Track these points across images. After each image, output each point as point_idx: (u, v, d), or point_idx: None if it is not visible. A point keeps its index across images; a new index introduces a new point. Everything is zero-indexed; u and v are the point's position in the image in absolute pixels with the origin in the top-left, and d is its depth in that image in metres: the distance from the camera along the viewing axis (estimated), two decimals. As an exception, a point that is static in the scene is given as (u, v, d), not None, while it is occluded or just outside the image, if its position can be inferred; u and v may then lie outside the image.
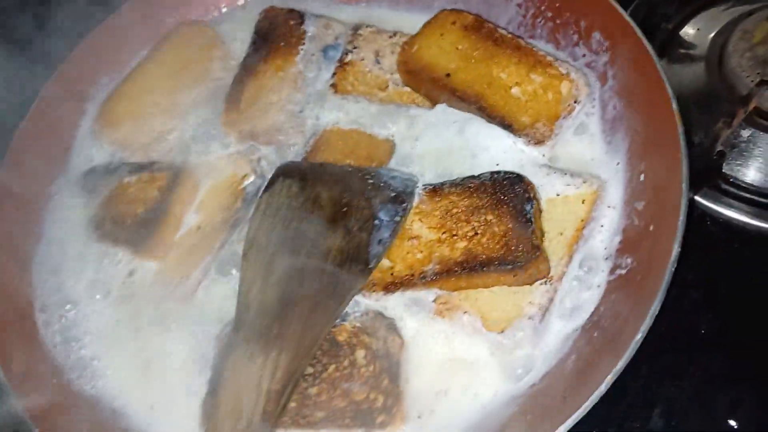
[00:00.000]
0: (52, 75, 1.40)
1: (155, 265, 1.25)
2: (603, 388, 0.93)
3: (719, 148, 1.39)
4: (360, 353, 1.09)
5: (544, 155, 1.25)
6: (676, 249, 0.99)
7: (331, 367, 1.09)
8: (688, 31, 1.64)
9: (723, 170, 1.38)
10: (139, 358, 1.19)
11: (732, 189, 1.37)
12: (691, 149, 1.09)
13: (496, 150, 1.27)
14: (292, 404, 1.07)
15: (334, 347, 1.10)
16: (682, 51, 1.62)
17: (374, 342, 1.10)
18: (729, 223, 1.35)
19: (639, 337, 0.95)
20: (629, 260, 1.10)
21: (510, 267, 1.08)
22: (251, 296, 1.10)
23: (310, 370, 1.09)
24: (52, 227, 1.33)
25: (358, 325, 1.12)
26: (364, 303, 1.16)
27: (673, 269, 0.98)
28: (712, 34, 1.61)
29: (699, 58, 1.59)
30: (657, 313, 0.96)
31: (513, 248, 1.09)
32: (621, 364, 0.94)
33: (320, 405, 1.07)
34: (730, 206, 1.36)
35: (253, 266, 1.14)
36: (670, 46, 1.61)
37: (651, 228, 1.08)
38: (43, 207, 1.33)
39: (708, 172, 1.38)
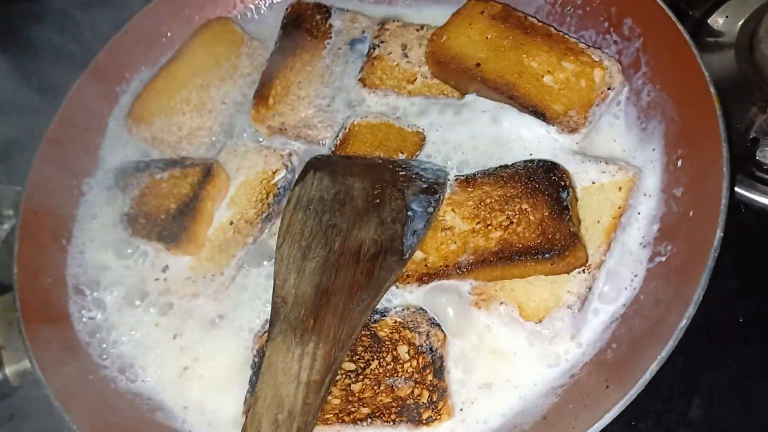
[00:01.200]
0: (81, 74, 1.40)
1: (188, 261, 1.25)
2: (648, 376, 0.91)
3: (753, 134, 1.37)
4: (402, 348, 1.08)
5: (577, 143, 1.24)
6: (718, 234, 0.97)
7: (374, 363, 1.08)
8: (717, 18, 1.62)
9: (757, 157, 1.36)
10: (174, 355, 1.19)
11: (766, 176, 1.35)
12: (724, 137, 1.08)
13: (528, 139, 1.26)
14: (336, 401, 1.06)
15: (375, 343, 1.09)
16: (711, 39, 1.60)
17: (416, 337, 1.09)
18: (764, 210, 1.33)
19: (683, 323, 0.93)
20: (669, 247, 1.08)
21: (547, 256, 1.06)
22: (286, 289, 1.10)
23: (352, 366, 1.08)
24: (85, 224, 1.34)
25: (399, 320, 1.11)
26: (401, 296, 1.15)
27: (716, 255, 0.96)
28: (741, 22, 1.58)
29: (728, 46, 1.57)
30: (701, 299, 0.94)
31: (550, 236, 1.08)
32: (666, 352, 0.92)
33: (365, 401, 1.06)
34: (764, 193, 1.34)
35: (287, 259, 1.14)
36: (698, 35, 1.59)
37: (691, 214, 1.07)
38: (75, 205, 1.35)
39: (741, 159, 1.36)
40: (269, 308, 1.10)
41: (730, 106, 1.36)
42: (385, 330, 1.10)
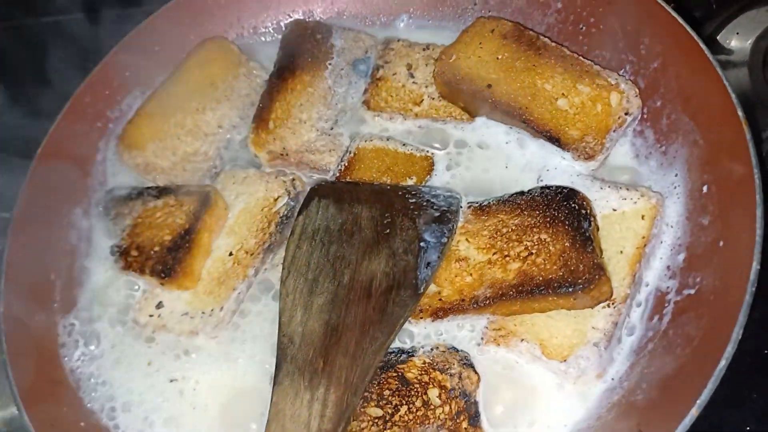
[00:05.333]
0: (69, 98, 1.33)
1: (185, 296, 1.18)
2: (688, 422, 0.85)
3: (771, 157, 1.32)
4: (433, 392, 1.00)
5: (593, 170, 1.18)
6: (755, 266, 0.92)
7: (403, 409, 1.00)
8: (727, 35, 1.59)
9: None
10: (169, 399, 1.11)
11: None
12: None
13: (542, 164, 1.20)
14: None
15: (403, 385, 1.01)
16: (723, 57, 1.56)
17: (448, 379, 1.01)
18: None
19: (722, 364, 0.87)
20: (698, 279, 1.02)
21: (571, 290, 1.00)
22: (293, 327, 1.03)
23: (379, 412, 1.00)
24: (74, 258, 1.26)
25: (427, 360, 1.03)
26: (423, 333, 1.08)
27: (754, 289, 0.91)
28: (753, 39, 1.56)
29: (741, 64, 1.54)
30: (740, 337, 0.88)
31: (573, 269, 1.02)
32: (705, 396, 0.86)
33: (394, 453, 0.97)
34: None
35: (293, 294, 1.07)
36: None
37: (720, 244, 1.01)
38: (63, 237, 1.26)
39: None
40: (275, 347, 1.03)
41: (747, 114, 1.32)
42: (413, 371, 1.02)
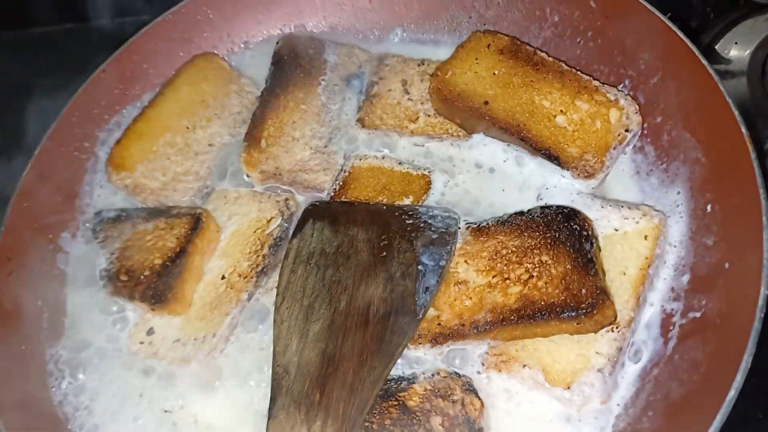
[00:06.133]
0: (56, 117, 1.29)
1: (176, 322, 1.14)
2: (698, 455, 0.82)
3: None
4: (436, 420, 0.97)
5: (593, 189, 1.16)
6: (763, 292, 0.89)
7: None
8: (725, 45, 1.56)
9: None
10: (161, 431, 1.07)
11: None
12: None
13: (542, 182, 1.18)
14: None
15: (405, 414, 0.98)
16: (721, 67, 1.54)
17: (450, 406, 0.98)
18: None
19: (732, 394, 0.85)
20: (703, 301, 1.00)
21: (574, 314, 0.97)
22: (288, 356, 1.00)
23: None
24: (62, 284, 1.22)
25: (429, 387, 1.00)
26: (422, 359, 1.05)
27: (762, 315, 0.88)
28: (752, 48, 1.53)
29: (739, 74, 1.51)
30: (749, 366, 0.86)
31: (575, 292, 0.99)
32: (714, 428, 0.83)
33: (397, 486, 0.94)
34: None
35: (288, 321, 1.04)
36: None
37: (726, 266, 0.99)
38: (51, 262, 1.22)
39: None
40: (269, 378, 1.00)
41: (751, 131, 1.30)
42: (414, 399, 0.99)
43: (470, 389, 1.01)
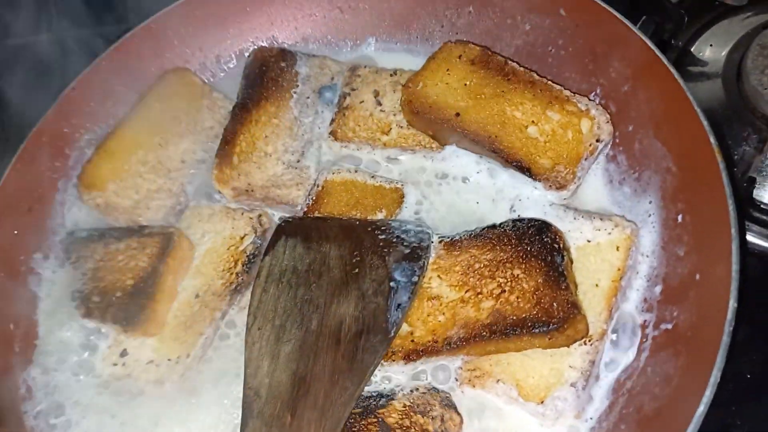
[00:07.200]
0: (26, 135, 1.28)
1: (150, 343, 1.13)
2: (668, 471, 0.82)
3: (749, 174, 1.29)
4: None
5: (565, 200, 1.15)
6: (731, 305, 0.89)
7: None
8: (701, 47, 1.56)
9: (753, 197, 1.28)
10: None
11: (764, 217, 1.27)
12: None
13: (515, 194, 1.17)
14: None
15: None
16: (696, 69, 1.54)
17: (430, 422, 0.98)
18: (764, 254, 1.26)
19: (701, 410, 0.84)
20: (675, 313, 1.00)
21: (545, 329, 0.97)
22: (259, 379, 0.99)
23: None
24: (34, 306, 1.21)
25: (408, 403, 1.00)
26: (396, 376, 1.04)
27: (731, 329, 0.88)
28: (727, 50, 1.52)
29: (715, 76, 1.50)
30: (718, 381, 0.86)
31: (547, 307, 0.99)
32: (686, 440, 0.83)
33: (377, 503, 0.94)
34: (764, 236, 1.27)
35: (259, 342, 1.03)
36: (682, 64, 1.52)
37: (697, 277, 0.99)
38: (21, 284, 1.21)
39: (738, 201, 1.29)
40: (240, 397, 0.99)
41: (718, 141, 1.30)
42: (393, 416, 0.99)
43: (449, 404, 1.01)
